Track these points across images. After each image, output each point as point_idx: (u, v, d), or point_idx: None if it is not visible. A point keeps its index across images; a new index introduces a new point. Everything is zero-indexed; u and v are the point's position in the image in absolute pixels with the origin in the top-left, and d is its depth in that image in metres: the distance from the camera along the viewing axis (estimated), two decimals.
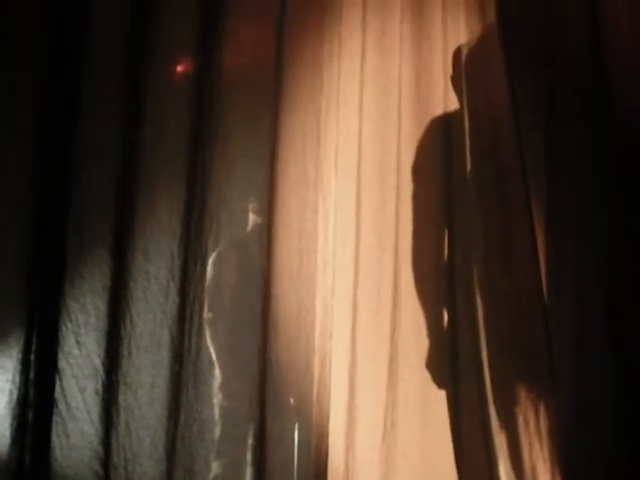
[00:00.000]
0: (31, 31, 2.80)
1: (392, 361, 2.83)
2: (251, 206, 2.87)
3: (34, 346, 2.69)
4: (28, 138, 2.77)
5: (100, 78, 2.83)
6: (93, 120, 2.82)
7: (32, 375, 2.67)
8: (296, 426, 2.77)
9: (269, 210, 2.80)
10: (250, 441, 2.71)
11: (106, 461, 2.64)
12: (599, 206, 2.95)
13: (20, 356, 2.67)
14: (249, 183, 2.84)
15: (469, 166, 3.00)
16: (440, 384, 2.83)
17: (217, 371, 2.79)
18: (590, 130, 3.04)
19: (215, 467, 2.72)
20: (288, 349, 2.73)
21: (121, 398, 2.68)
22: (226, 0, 2.94)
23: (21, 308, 2.69)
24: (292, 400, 2.76)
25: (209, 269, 2.78)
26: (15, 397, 2.64)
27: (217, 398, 2.76)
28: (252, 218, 2.89)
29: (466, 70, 3.09)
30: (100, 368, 2.68)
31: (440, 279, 2.92)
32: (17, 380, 2.66)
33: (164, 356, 2.71)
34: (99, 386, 2.68)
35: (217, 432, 2.74)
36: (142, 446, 2.66)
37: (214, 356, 2.78)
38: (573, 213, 2.96)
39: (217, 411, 2.76)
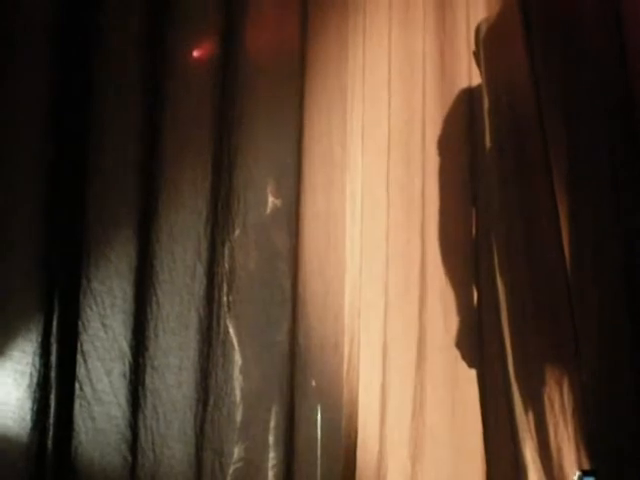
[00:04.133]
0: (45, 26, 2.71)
1: (420, 341, 2.83)
2: (275, 187, 2.82)
3: (54, 329, 2.62)
4: (48, 120, 2.68)
5: (121, 57, 2.75)
6: (115, 101, 2.73)
7: (53, 358, 2.61)
8: (322, 407, 2.74)
9: (296, 190, 2.74)
10: (273, 423, 2.68)
11: (134, 444, 2.60)
12: (619, 185, 2.95)
13: (40, 339, 2.61)
14: (276, 163, 2.79)
15: (489, 142, 2.98)
16: (470, 363, 2.83)
17: (240, 353, 2.75)
18: (607, 101, 3.03)
19: (238, 450, 2.70)
20: (317, 329, 2.72)
21: (148, 381, 2.64)
22: None
23: (40, 292, 2.63)
24: (320, 381, 2.74)
25: (236, 250, 2.73)
26: (35, 380, 2.59)
27: (239, 380, 2.73)
28: (277, 199, 2.84)
29: (485, 45, 3.06)
30: (127, 350, 2.64)
31: (467, 256, 2.91)
32: (37, 363, 2.60)
33: (191, 338, 2.67)
34: (126, 369, 2.64)
35: (240, 415, 2.71)
36: (170, 429, 2.63)
37: (235, 338, 2.74)
38: (594, 190, 2.96)
39: (239, 393, 2.72)
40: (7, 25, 2.68)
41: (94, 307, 2.65)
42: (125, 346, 2.64)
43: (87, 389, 2.63)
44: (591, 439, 2.73)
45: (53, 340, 2.63)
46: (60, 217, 2.70)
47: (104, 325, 2.64)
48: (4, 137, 2.68)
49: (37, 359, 2.61)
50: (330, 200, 2.81)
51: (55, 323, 2.64)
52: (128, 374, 2.63)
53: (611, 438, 2.77)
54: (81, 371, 2.63)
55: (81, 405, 2.62)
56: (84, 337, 2.64)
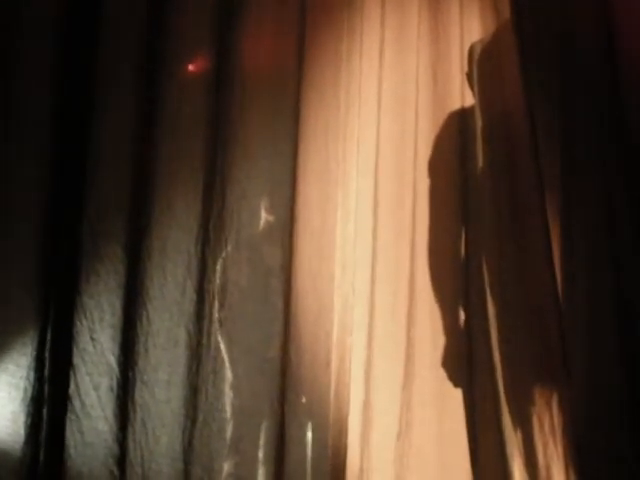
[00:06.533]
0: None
1: (408, 359, 2.82)
2: (269, 203, 2.83)
3: (48, 343, 2.64)
4: (43, 136, 2.70)
5: (114, 74, 2.76)
6: (108, 117, 2.75)
7: (47, 372, 2.62)
8: (313, 425, 2.74)
9: (291, 206, 2.75)
10: (263, 440, 2.68)
11: (121, 459, 2.61)
12: (614, 207, 2.96)
13: (34, 353, 2.63)
14: (270, 180, 2.79)
15: (481, 162, 3.00)
16: (456, 383, 2.83)
17: (231, 369, 2.75)
18: (602, 128, 3.04)
19: (228, 466, 2.70)
20: (308, 346, 2.71)
21: (137, 396, 2.64)
22: None
23: (35, 305, 2.64)
24: (309, 398, 2.74)
25: (227, 266, 2.73)
26: (29, 394, 2.60)
27: (229, 396, 2.73)
28: (271, 215, 2.85)
29: (479, 67, 3.08)
30: (115, 365, 2.65)
31: (456, 276, 2.92)
32: (31, 377, 2.61)
33: (181, 354, 2.68)
34: (114, 383, 2.64)
35: (229, 431, 2.71)
36: (159, 444, 2.63)
37: (226, 355, 2.74)
38: (588, 210, 2.96)
39: (229, 409, 2.72)
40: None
41: (84, 321, 2.65)
42: (113, 361, 2.65)
43: (76, 403, 2.63)
44: (580, 458, 2.72)
45: (47, 354, 2.64)
46: (56, 231, 2.71)
47: (93, 339, 2.65)
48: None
49: (31, 373, 2.61)
50: (324, 217, 2.81)
51: (49, 337, 2.65)
52: (116, 389, 2.64)
53: (600, 457, 2.76)
54: (70, 385, 2.63)
55: (70, 420, 2.63)
56: (74, 351, 2.65)
